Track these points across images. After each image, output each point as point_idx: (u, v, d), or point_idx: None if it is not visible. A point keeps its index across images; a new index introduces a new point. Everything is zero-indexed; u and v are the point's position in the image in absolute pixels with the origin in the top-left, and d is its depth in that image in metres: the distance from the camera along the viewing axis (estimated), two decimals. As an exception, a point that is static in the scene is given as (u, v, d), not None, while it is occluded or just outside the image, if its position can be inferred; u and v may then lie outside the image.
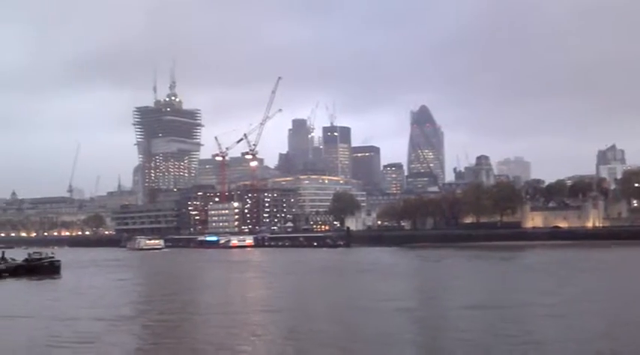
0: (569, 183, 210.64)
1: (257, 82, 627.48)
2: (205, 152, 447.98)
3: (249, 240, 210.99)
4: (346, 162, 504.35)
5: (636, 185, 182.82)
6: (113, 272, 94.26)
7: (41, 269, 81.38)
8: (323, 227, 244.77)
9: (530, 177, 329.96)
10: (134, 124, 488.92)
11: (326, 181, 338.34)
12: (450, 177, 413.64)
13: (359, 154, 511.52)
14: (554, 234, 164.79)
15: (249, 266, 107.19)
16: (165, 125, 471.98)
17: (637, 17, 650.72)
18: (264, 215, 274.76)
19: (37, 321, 39.56)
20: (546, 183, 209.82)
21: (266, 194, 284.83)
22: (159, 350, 31.12)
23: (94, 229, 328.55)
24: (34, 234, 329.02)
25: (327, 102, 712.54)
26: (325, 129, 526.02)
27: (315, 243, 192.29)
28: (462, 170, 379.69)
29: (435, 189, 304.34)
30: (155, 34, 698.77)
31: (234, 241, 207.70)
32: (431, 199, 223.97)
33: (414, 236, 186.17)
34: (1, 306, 47.76)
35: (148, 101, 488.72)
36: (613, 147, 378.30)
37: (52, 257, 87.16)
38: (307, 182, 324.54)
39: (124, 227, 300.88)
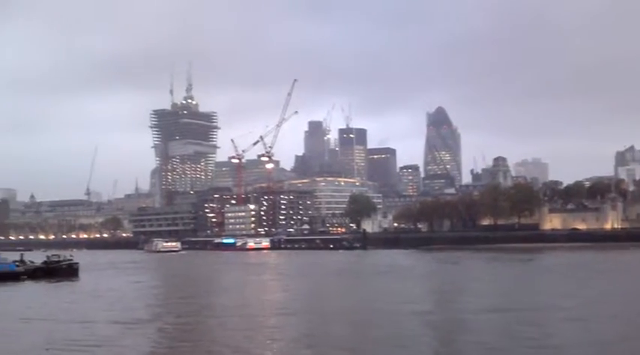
0: (587, 184, 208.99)
1: (273, 84, 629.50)
2: (222, 154, 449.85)
3: (265, 243, 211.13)
4: (362, 164, 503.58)
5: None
6: (131, 274, 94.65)
7: (59, 271, 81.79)
8: (339, 229, 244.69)
9: (547, 178, 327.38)
10: (151, 127, 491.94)
11: (342, 183, 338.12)
12: (466, 178, 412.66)
13: (375, 156, 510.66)
14: (572, 236, 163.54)
15: (266, 269, 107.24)
16: (182, 128, 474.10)
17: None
18: (281, 217, 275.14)
19: (53, 324, 39.71)
20: (564, 185, 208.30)
21: (282, 196, 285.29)
22: (174, 353, 31.14)
23: (112, 232, 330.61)
24: (53, 237, 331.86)
25: (343, 104, 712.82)
26: (341, 131, 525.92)
27: (332, 246, 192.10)
28: (479, 171, 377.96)
29: (451, 190, 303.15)
30: (172, 38, 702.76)
31: (251, 243, 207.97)
32: (448, 201, 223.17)
33: (430, 238, 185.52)
34: (19, 309, 48.00)
35: (165, 104, 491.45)
36: (631, 148, 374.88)
37: (71, 259, 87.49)
38: (323, 184, 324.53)
39: (142, 229, 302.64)
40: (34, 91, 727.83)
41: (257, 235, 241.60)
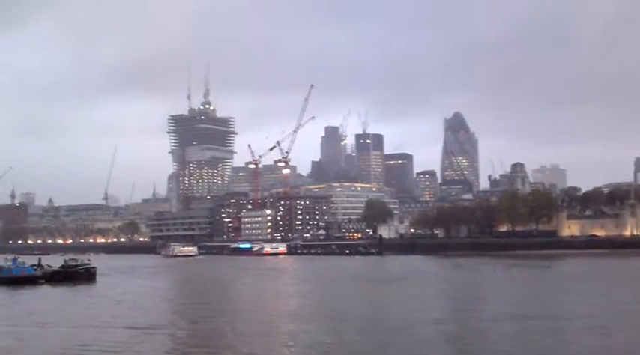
0: (605, 190, 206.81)
1: (290, 90, 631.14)
2: (238, 159, 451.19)
3: (282, 248, 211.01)
4: (379, 170, 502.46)
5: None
6: (148, 278, 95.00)
7: (77, 275, 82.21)
8: (355, 235, 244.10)
9: (566, 184, 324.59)
10: (169, 132, 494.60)
11: (358, 189, 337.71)
12: (484, 184, 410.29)
13: (392, 161, 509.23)
14: (590, 243, 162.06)
15: (282, 274, 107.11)
16: (199, 133, 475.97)
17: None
18: (297, 222, 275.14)
19: (70, 328, 39.79)
20: (583, 191, 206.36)
21: (298, 201, 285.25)
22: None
23: (129, 236, 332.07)
24: (71, 241, 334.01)
25: (360, 109, 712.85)
26: (358, 137, 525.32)
27: (348, 251, 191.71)
28: (497, 177, 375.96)
29: (469, 196, 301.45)
30: (190, 43, 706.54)
31: (267, 248, 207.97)
32: (465, 207, 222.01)
33: (447, 244, 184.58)
34: (36, 313, 48.17)
35: (183, 109, 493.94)
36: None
37: (88, 263, 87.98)
38: (340, 189, 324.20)
39: (159, 234, 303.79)
40: (53, 97, 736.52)
41: (273, 240, 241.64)
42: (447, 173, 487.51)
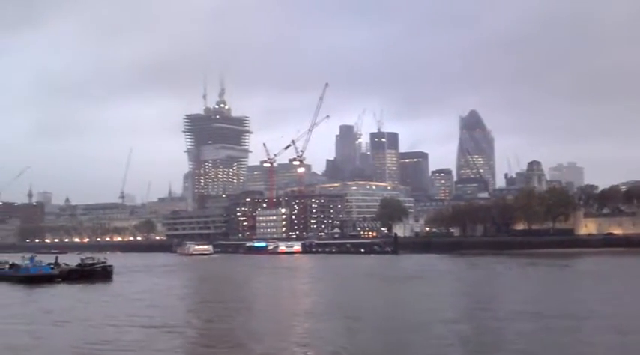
0: (623, 188, 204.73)
1: (305, 89, 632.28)
2: (253, 158, 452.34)
3: (297, 246, 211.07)
4: (394, 168, 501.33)
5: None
6: (163, 277, 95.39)
7: (94, 274, 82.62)
8: (370, 233, 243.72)
9: (583, 182, 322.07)
10: (184, 132, 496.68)
11: (373, 187, 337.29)
12: (500, 182, 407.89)
13: (407, 160, 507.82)
14: (608, 241, 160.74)
15: (298, 273, 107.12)
16: (215, 132, 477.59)
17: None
18: (312, 221, 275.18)
19: (85, 327, 39.92)
20: (600, 189, 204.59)
21: (313, 200, 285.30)
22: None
23: (146, 235, 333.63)
24: (87, 240, 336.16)
25: (375, 108, 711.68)
26: (373, 135, 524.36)
27: (363, 250, 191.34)
28: (513, 176, 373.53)
29: (485, 195, 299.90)
30: (205, 43, 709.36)
31: (282, 247, 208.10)
32: (481, 205, 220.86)
33: (463, 243, 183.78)
34: (52, 311, 48.41)
35: (198, 109, 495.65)
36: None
37: (105, 262, 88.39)
38: (354, 188, 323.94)
39: (175, 232, 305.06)
40: (69, 96, 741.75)
41: (288, 239, 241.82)
42: (462, 171, 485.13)
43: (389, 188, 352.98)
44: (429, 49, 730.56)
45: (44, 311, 48.27)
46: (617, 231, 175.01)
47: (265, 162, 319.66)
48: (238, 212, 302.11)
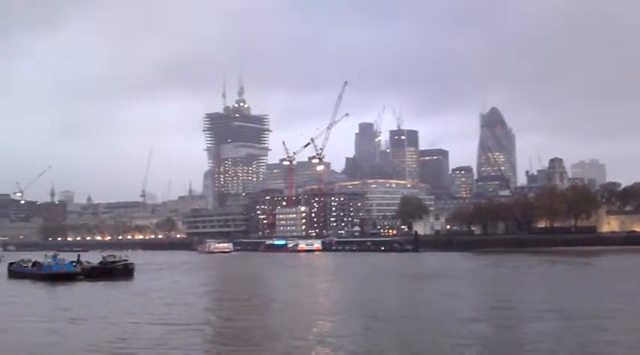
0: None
1: (324, 87, 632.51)
2: (273, 157, 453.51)
3: (317, 244, 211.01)
4: (414, 166, 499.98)
5: None
6: (184, 274, 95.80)
7: (115, 271, 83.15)
8: (390, 231, 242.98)
9: (605, 180, 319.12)
10: (204, 130, 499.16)
11: (393, 185, 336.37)
12: (521, 180, 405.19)
13: (427, 158, 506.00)
14: (630, 239, 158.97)
15: (318, 271, 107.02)
16: (234, 131, 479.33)
17: None
18: (331, 219, 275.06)
19: (103, 325, 40.03)
20: (622, 186, 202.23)
21: (333, 198, 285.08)
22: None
23: (167, 233, 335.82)
24: (109, 238, 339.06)
25: (394, 105, 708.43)
26: (392, 133, 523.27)
27: (383, 248, 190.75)
28: (535, 173, 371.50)
29: (506, 192, 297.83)
30: (225, 42, 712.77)
31: (303, 245, 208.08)
32: (502, 203, 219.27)
33: (484, 241, 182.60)
34: (71, 309, 48.63)
35: (218, 107, 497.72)
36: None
37: (126, 260, 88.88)
38: (374, 186, 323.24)
39: (195, 230, 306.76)
40: (90, 96, 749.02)
41: (308, 237, 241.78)
42: (483, 169, 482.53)
43: (409, 186, 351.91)
44: (450, 46, 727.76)
45: (64, 309, 48.50)
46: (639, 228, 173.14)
47: (285, 160, 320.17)
48: (258, 210, 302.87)
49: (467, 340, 32.70)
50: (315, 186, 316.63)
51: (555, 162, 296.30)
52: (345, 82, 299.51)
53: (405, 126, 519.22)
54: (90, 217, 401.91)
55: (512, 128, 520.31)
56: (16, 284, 78.41)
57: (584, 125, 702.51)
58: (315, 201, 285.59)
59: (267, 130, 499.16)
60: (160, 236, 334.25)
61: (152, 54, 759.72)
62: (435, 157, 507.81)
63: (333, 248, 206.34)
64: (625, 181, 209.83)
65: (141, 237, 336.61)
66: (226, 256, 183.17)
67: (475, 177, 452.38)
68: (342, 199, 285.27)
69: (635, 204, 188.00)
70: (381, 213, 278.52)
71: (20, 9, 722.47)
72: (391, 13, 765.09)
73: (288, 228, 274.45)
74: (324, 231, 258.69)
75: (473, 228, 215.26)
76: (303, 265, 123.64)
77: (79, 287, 71.04)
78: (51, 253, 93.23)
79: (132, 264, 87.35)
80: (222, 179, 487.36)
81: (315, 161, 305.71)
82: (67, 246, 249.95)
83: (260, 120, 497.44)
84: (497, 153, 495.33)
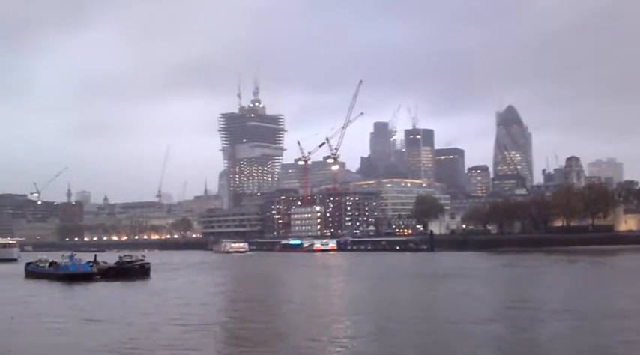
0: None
1: (339, 86, 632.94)
2: (288, 156, 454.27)
3: (332, 244, 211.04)
4: (429, 165, 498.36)
5: None
6: (200, 274, 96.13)
7: (131, 271, 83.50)
8: (405, 231, 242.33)
9: (622, 178, 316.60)
10: (219, 130, 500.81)
11: (408, 184, 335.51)
12: (538, 179, 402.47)
13: (442, 157, 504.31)
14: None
15: (333, 271, 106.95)
16: (249, 131, 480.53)
17: None
18: (346, 219, 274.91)
19: (119, 325, 40.17)
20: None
21: (348, 198, 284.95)
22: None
23: (182, 233, 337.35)
24: (125, 238, 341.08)
25: (410, 104, 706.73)
26: (407, 132, 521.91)
27: (398, 247, 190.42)
28: (551, 172, 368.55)
29: (522, 191, 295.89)
30: (240, 42, 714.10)
31: (318, 245, 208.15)
32: (519, 202, 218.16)
33: (500, 240, 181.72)
34: (85, 309, 48.87)
35: (233, 107, 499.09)
36: None
37: (142, 260, 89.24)
38: (389, 185, 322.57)
39: (210, 230, 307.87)
40: (106, 97, 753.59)
41: (323, 237, 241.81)
42: (499, 168, 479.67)
43: (424, 185, 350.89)
44: (465, 44, 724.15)
45: (80, 309, 48.76)
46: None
47: (300, 160, 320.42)
48: (273, 210, 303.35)
49: (481, 341, 32.53)
50: (330, 186, 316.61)
51: (572, 161, 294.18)
52: (360, 81, 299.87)
53: (421, 126, 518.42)
54: (106, 217, 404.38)
55: (528, 126, 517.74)
56: (33, 284, 79.01)
57: (601, 123, 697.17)
58: (330, 201, 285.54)
59: (283, 130, 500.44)
60: (175, 236, 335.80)
61: (168, 55, 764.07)
62: (450, 156, 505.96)
63: (348, 248, 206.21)
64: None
65: (157, 237, 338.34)
66: (242, 256, 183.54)
67: (491, 176, 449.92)
68: (357, 199, 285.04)
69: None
70: (397, 213, 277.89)
71: (39, 9, 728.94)
72: (407, 12, 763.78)
73: (303, 227, 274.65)
74: (339, 231, 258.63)
75: (489, 228, 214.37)
76: (318, 265, 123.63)
77: (95, 287, 71.46)
78: (68, 253, 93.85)
79: (148, 263, 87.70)
80: (237, 179, 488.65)
81: (330, 161, 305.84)
82: (84, 246, 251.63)
83: (275, 120, 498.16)
84: (514, 152, 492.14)
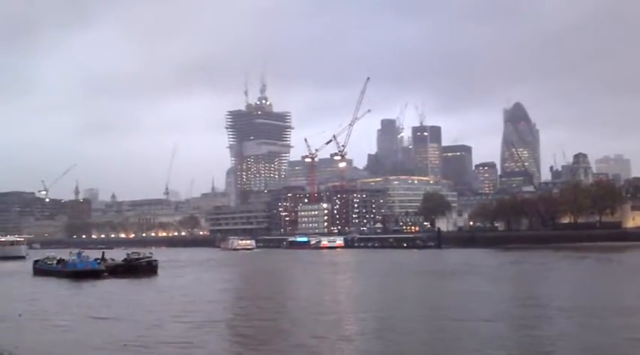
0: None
1: (346, 84, 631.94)
2: (295, 154, 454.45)
3: (339, 241, 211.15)
4: (436, 162, 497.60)
5: None
6: (207, 271, 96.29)
7: (139, 268, 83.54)
8: (413, 228, 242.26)
9: (630, 175, 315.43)
10: (226, 128, 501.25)
11: (415, 181, 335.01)
12: (545, 176, 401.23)
13: (450, 154, 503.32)
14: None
15: (340, 268, 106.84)
16: (256, 128, 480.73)
17: None
18: (353, 216, 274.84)
19: (127, 323, 40.25)
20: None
21: (355, 195, 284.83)
22: (245, 352, 30.88)
23: (190, 230, 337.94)
24: (133, 235, 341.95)
25: (417, 101, 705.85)
26: (415, 129, 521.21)
27: (405, 244, 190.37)
28: (559, 169, 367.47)
29: (530, 188, 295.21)
30: (247, 39, 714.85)
31: (325, 242, 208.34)
32: (526, 199, 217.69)
33: (508, 237, 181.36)
34: (92, 307, 48.98)
35: (240, 105, 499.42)
36: None
37: (150, 257, 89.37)
38: (396, 182, 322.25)
39: (218, 227, 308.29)
40: (114, 94, 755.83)
41: (330, 234, 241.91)
42: (507, 165, 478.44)
43: (431, 182, 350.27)
44: (472, 41, 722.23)
45: (87, 307, 48.87)
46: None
47: (307, 157, 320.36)
48: (280, 207, 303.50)
49: (488, 339, 32.39)
50: (337, 183, 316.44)
51: (579, 158, 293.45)
52: (368, 78, 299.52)
53: (428, 123, 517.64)
54: (114, 215, 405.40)
55: (535, 123, 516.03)
56: (41, 281, 79.23)
57: (609, 120, 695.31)
58: (337, 198, 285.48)
59: (289, 127, 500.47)
60: (183, 233, 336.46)
61: (175, 53, 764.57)
62: (458, 153, 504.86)
63: (356, 245, 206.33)
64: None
65: (164, 234, 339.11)
66: (249, 253, 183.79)
67: (499, 172, 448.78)
68: (364, 196, 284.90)
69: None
70: (404, 210, 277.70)
71: (43, 9, 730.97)
72: (413, 10, 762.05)
73: (310, 225, 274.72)
74: (346, 228, 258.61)
75: (496, 225, 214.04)
76: (325, 262, 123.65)
77: (103, 284, 71.61)
78: (75, 251, 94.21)
79: (156, 261, 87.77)
80: (244, 176, 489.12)
81: (337, 158, 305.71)
82: (92, 244, 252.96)
83: (282, 117, 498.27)
84: (521, 149, 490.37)
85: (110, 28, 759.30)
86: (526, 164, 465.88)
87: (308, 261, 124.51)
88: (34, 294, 60.27)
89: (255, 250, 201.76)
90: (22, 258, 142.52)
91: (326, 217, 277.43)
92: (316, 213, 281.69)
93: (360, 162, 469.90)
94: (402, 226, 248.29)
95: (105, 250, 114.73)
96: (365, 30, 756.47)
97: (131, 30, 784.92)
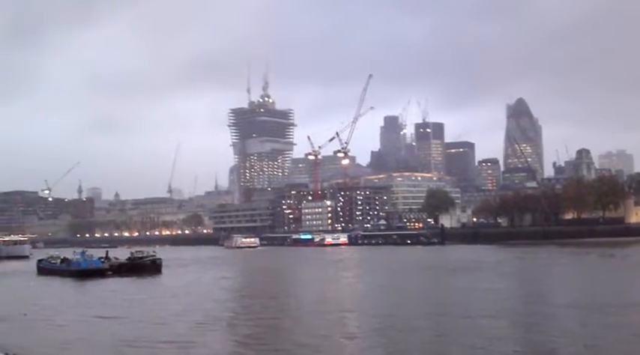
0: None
1: (349, 81, 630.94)
2: (298, 151, 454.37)
3: (343, 238, 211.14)
4: (439, 159, 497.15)
5: None
6: (211, 270, 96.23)
7: (143, 267, 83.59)
8: (416, 224, 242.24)
9: (633, 170, 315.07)
10: (229, 126, 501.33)
11: (419, 178, 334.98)
12: (548, 172, 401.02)
13: (453, 150, 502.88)
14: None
15: (344, 265, 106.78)
16: (259, 126, 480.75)
17: None
18: (357, 213, 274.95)
19: (130, 322, 40.24)
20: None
21: (358, 192, 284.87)
22: (246, 351, 30.88)
23: (193, 228, 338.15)
24: (137, 234, 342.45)
25: (420, 98, 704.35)
26: (418, 126, 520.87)
27: (409, 241, 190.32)
28: (562, 164, 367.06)
29: (533, 184, 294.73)
30: (250, 37, 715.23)
31: (329, 239, 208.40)
32: (529, 195, 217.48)
33: (511, 233, 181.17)
34: (99, 305, 49.07)
35: (243, 103, 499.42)
36: None
37: (154, 255, 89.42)
38: (400, 179, 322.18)
39: (222, 226, 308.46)
40: (117, 93, 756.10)
41: (334, 231, 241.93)
42: (509, 161, 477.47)
43: (435, 179, 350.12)
44: (475, 38, 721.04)
45: (91, 306, 48.95)
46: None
47: (310, 154, 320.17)
48: (284, 204, 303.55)
49: (492, 335, 32.35)
50: (340, 180, 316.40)
51: (582, 153, 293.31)
52: (370, 75, 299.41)
53: (431, 119, 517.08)
54: (117, 213, 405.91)
55: (538, 119, 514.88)
56: (45, 280, 79.35)
57: (612, 115, 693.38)
58: (341, 195, 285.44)
59: (292, 125, 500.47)
60: (186, 231, 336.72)
61: (178, 51, 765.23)
62: (461, 150, 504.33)
63: (359, 242, 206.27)
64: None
65: (168, 232, 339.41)
66: (253, 251, 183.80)
67: (502, 169, 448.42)
68: (367, 193, 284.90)
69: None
70: (407, 207, 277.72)
71: (49, 7, 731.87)
72: (417, 6, 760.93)
73: (314, 222, 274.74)
74: (349, 225, 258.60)
75: (499, 221, 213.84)
76: (329, 259, 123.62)
77: (107, 283, 71.69)
78: (79, 249, 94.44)
79: (159, 259, 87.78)
80: (247, 174, 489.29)
81: (341, 155, 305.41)
82: (95, 243, 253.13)
83: (285, 114, 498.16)
84: (524, 145, 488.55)
85: (114, 27, 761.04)
86: (529, 160, 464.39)
87: (312, 259, 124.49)
88: (39, 294, 60.40)
89: (259, 248, 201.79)
90: (25, 257, 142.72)
91: (330, 214, 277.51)
92: (320, 210, 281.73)
93: (364, 159, 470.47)
94: (405, 223, 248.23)
95: (109, 249, 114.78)
96: (368, 27, 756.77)
97: (134, 28, 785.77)
